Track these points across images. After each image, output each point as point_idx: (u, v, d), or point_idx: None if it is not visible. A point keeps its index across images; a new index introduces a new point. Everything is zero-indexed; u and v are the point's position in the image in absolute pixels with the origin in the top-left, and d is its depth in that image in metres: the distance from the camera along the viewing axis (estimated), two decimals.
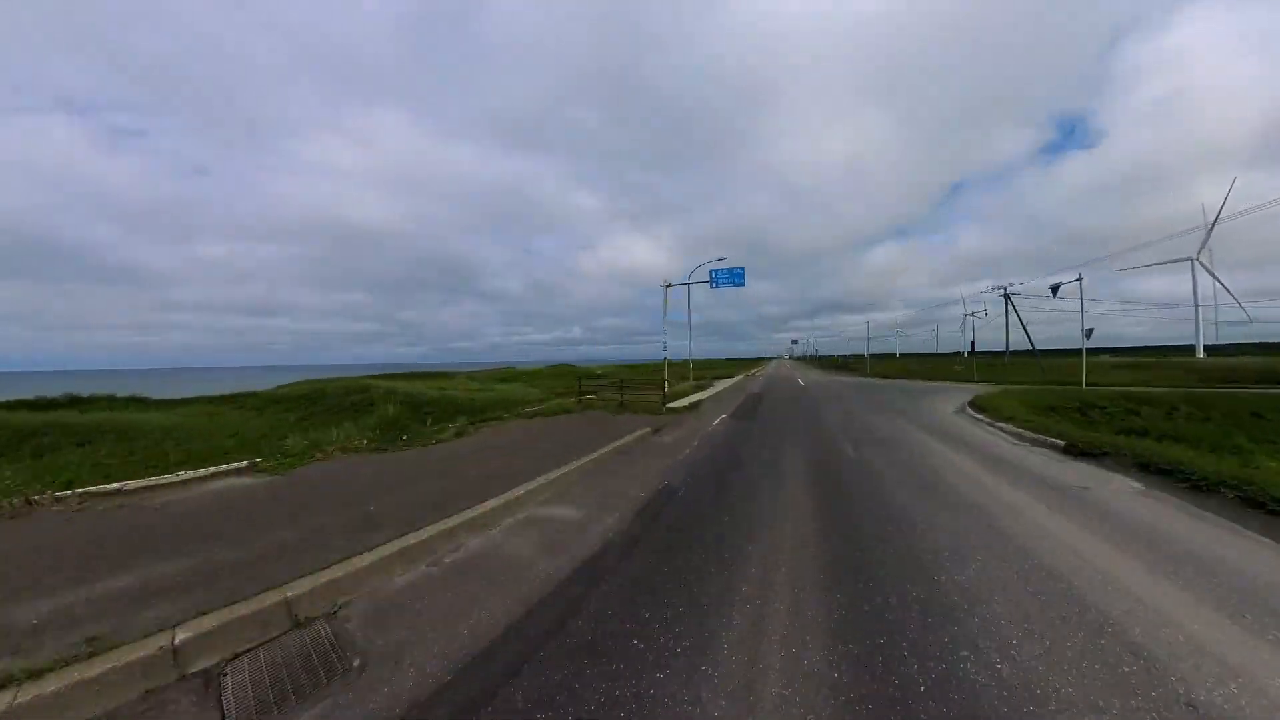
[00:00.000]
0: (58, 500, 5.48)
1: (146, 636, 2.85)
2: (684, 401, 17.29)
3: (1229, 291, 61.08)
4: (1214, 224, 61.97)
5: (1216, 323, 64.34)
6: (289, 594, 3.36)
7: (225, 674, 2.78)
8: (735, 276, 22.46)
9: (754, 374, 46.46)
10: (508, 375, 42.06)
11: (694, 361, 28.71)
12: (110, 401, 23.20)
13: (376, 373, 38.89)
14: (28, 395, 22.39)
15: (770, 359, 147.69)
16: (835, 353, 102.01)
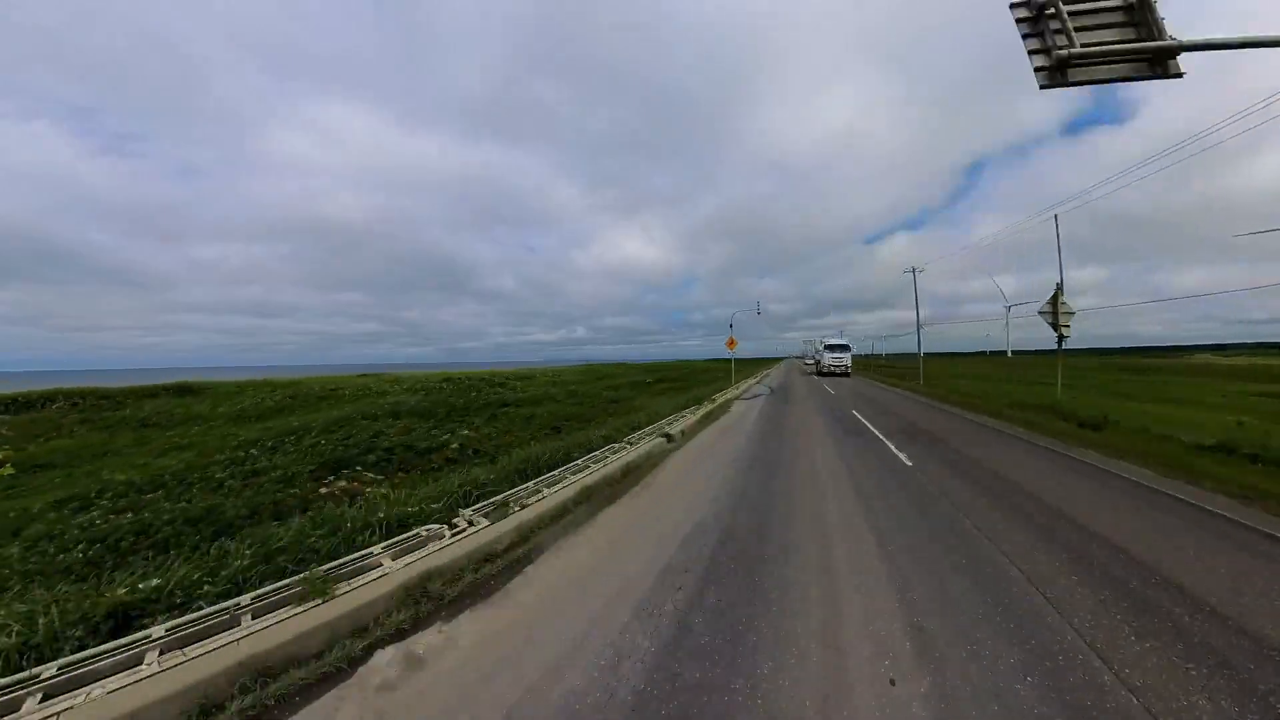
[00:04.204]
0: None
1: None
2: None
3: None
4: None
5: None
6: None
7: None
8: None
9: (743, 387, 24.66)
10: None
11: (691, 363, 28.60)
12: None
13: (388, 372, 33.35)
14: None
15: (779, 359, 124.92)
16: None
